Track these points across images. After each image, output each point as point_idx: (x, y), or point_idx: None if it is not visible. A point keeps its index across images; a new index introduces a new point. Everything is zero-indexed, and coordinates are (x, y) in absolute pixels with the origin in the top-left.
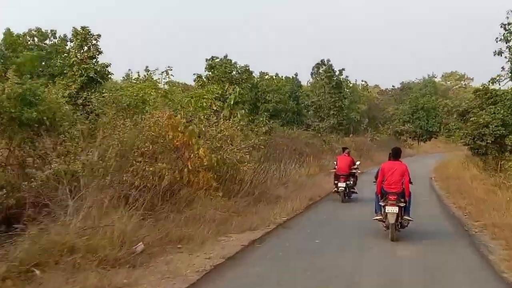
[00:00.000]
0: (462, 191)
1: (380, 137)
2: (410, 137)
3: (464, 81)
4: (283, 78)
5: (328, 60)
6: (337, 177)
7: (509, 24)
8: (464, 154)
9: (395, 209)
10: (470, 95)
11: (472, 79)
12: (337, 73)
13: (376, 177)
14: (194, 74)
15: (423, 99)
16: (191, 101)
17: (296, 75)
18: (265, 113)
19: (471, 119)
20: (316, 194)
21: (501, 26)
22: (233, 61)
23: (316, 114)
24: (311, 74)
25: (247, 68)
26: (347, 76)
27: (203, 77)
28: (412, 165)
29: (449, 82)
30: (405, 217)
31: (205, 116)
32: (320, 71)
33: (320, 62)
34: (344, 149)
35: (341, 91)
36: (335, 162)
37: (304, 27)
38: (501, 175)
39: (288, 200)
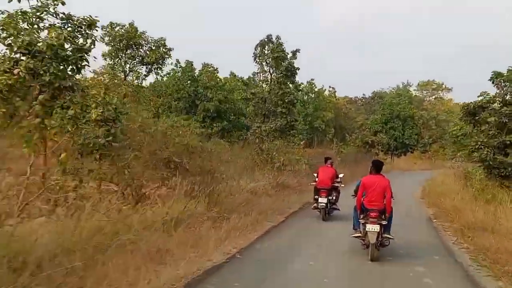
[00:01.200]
0: None
1: (346, 149)
2: (382, 150)
3: (442, 91)
4: (238, 77)
5: (278, 37)
6: (317, 191)
7: None
8: (455, 173)
9: (376, 228)
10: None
11: (451, 89)
12: (289, 55)
13: (356, 192)
14: None
15: (398, 106)
16: None
17: (253, 74)
18: (204, 113)
19: (488, 119)
20: None
21: None
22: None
23: (258, 111)
24: (254, 56)
25: (163, 42)
26: (312, 79)
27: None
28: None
29: (425, 92)
30: (386, 235)
31: None
32: (266, 51)
33: (266, 39)
34: (326, 159)
35: (294, 80)
36: (315, 174)
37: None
38: None
39: None
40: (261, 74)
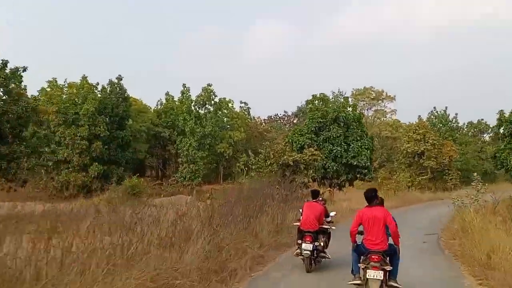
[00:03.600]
0: None
1: (255, 178)
2: (315, 178)
3: (383, 101)
4: None
5: None
6: (301, 235)
7: None
8: None
9: (380, 274)
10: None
11: (394, 98)
12: None
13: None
14: None
15: (336, 106)
16: None
17: None
18: None
19: None
20: None
21: None
22: None
23: None
24: None
25: None
26: (209, 84)
27: None
28: None
29: (362, 103)
30: (391, 283)
31: None
32: None
33: None
34: (314, 193)
35: None
36: (300, 211)
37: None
38: None
39: None
40: None
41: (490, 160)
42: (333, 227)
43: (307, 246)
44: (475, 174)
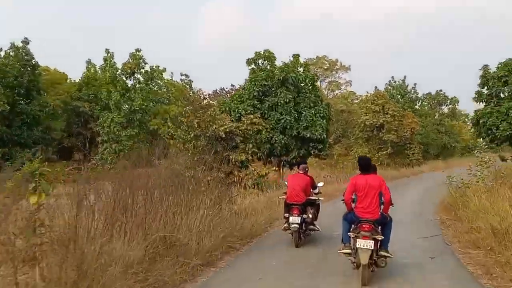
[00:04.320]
0: None
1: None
2: (259, 155)
3: (337, 71)
4: None
5: None
6: (287, 208)
7: None
8: None
9: (370, 244)
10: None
11: (349, 68)
12: None
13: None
14: None
15: (285, 66)
16: None
17: None
18: None
19: None
20: None
21: None
22: None
23: None
24: None
25: None
26: (138, 49)
27: None
28: None
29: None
30: (382, 252)
31: None
32: None
33: None
34: (299, 164)
35: None
36: (286, 183)
37: None
38: None
39: None
40: None
41: (449, 133)
42: (321, 198)
43: (294, 219)
44: (481, 140)
